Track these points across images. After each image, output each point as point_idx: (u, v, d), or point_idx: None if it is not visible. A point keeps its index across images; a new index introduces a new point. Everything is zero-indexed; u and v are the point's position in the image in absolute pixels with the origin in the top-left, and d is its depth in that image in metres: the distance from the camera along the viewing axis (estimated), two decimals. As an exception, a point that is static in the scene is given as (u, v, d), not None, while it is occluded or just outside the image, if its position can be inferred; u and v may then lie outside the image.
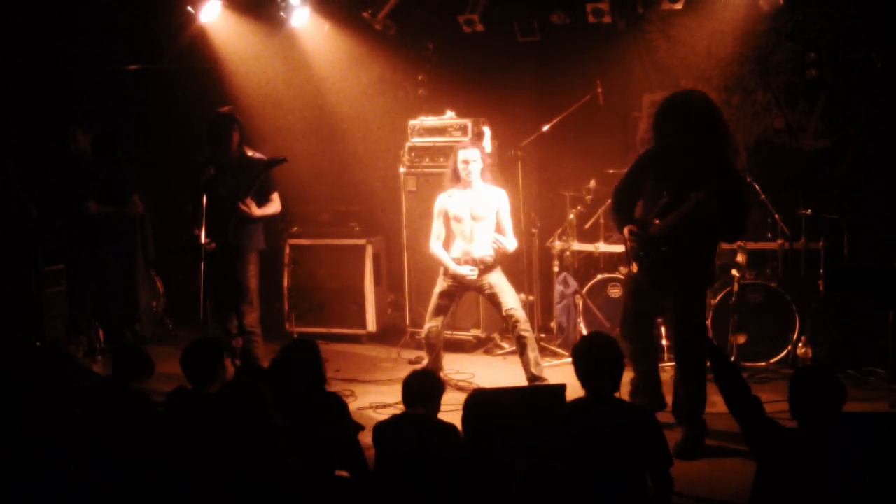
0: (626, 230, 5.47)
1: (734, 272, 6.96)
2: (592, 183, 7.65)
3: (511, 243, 6.56)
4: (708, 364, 4.61)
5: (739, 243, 7.00)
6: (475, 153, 6.50)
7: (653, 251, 5.39)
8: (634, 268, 5.54)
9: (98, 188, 6.80)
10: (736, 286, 6.92)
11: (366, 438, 4.57)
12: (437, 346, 6.67)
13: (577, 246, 7.74)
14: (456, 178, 6.53)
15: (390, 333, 8.30)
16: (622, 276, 7.03)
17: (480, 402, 3.94)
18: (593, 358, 4.11)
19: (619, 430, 3.95)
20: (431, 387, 4.40)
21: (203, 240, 6.24)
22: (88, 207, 6.72)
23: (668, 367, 6.38)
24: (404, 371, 5.77)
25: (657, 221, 5.36)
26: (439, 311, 6.62)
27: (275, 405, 3.59)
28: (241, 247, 6.46)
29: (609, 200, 5.78)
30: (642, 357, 5.74)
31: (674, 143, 5.28)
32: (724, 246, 7.08)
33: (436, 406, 4.39)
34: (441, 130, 7.92)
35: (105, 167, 6.93)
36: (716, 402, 4.41)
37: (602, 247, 7.65)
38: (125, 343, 6.90)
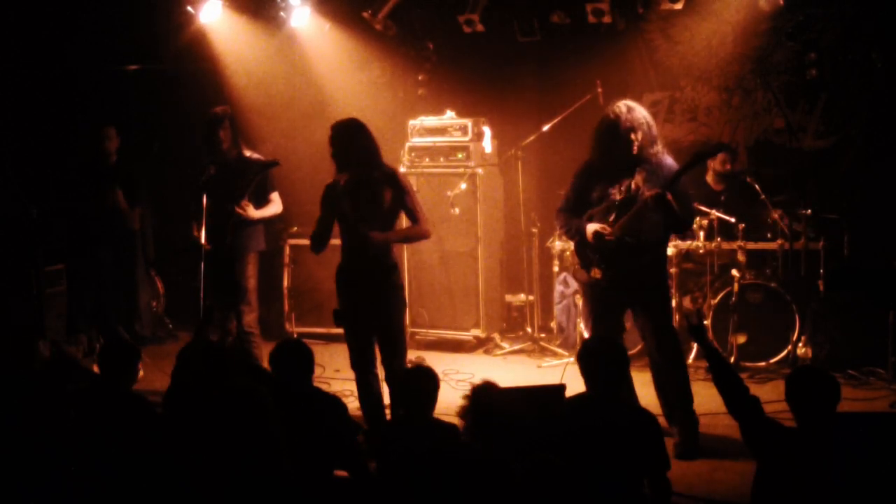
0: (590, 231, 5.44)
1: (734, 272, 6.96)
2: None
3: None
4: (705, 364, 4.62)
5: (739, 243, 7.01)
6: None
7: (618, 247, 5.37)
8: (596, 273, 5.49)
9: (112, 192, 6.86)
10: (736, 286, 6.91)
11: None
12: None
13: (576, 246, 7.72)
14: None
15: (390, 333, 8.29)
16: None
17: (485, 395, 3.96)
18: (592, 358, 4.15)
19: (618, 429, 3.96)
20: (427, 383, 4.37)
21: (203, 240, 6.23)
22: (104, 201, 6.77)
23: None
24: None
25: (613, 221, 5.39)
26: None
27: (274, 409, 3.59)
28: (239, 247, 6.42)
29: (557, 218, 5.77)
30: None
31: (614, 155, 5.40)
32: (724, 246, 7.10)
33: (432, 402, 4.36)
34: (441, 130, 7.93)
35: (125, 175, 6.99)
36: (715, 402, 4.41)
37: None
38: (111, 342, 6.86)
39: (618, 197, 5.39)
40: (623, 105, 5.40)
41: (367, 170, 5.41)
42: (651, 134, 5.38)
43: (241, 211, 6.28)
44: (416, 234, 5.70)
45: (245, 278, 6.44)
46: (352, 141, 5.39)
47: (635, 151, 5.34)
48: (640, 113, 5.38)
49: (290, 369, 4.40)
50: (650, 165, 5.35)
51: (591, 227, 5.44)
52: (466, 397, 3.93)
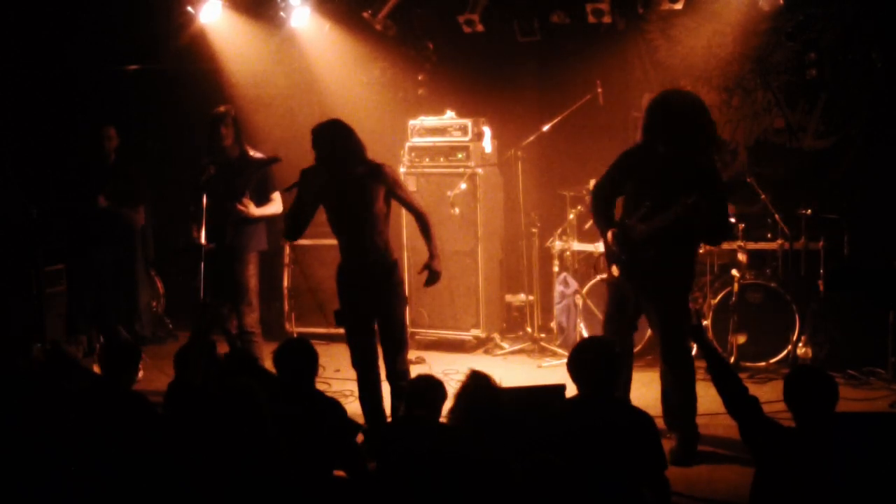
0: (609, 233, 5.37)
1: (734, 272, 6.96)
2: (592, 183, 7.62)
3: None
4: (704, 365, 4.60)
5: (739, 243, 7.01)
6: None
7: (637, 253, 5.30)
8: (615, 271, 5.43)
9: (112, 188, 6.85)
10: (736, 286, 6.91)
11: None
12: None
13: (577, 246, 7.73)
14: None
15: (390, 333, 8.28)
16: (603, 281, 6.93)
17: (477, 385, 4.00)
18: (581, 359, 4.16)
19: (615, 429, 3.96)
20: (435, 394, 4.40)
21: (202, 240, 6.23)
22: (98, 201, 6.76)
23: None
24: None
25: (641, 224, 5.27)
26: None
27: (269, 407, 3.59)
28: (239, 247, 6.42)
29: (588, 199, 5.68)
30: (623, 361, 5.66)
31: (663, 146, 5.20)
32: (725, 246, 7.09)
33: (436, 412, 4.39)
34: (441, 130, 7.93)
35: (126, 169, 6.98)
36: (715, 402, 4.40)
37: (602, 247, 7.64)
38: (111, 342, 6.86)
39: (650, 197, 5.22)
40: (688, 95, 5.25)
41: (354, 169, 5.38)
42: (697, 129, 5.14)
43: (242, 208, 6.30)
44: (431, 228, 5.61)
45: (245, 277, 6.43)
46: (336, 142, 5.37)
47: (677, 145, 5.14)
48: (691, 100, 5.17)
49: (295, 368, 4.41)
50: (694, 164, 5.17)
51: (610, 235, 5.38)
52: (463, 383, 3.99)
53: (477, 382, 4.15)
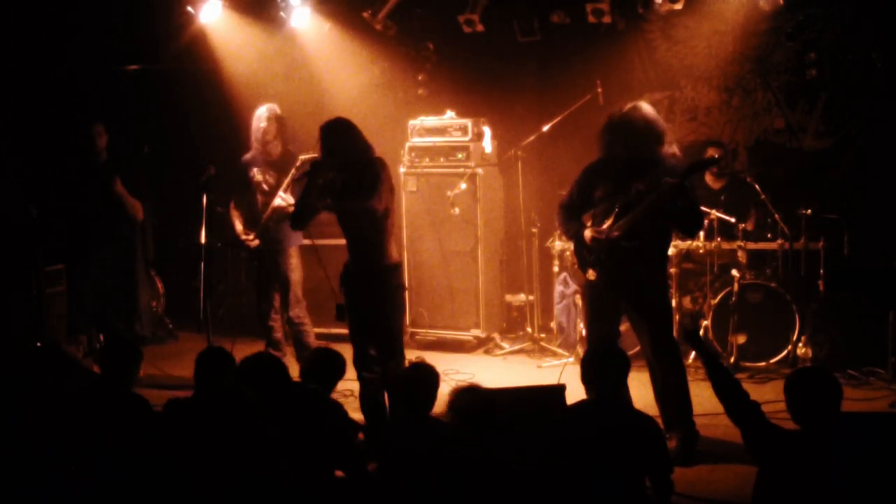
0: (587, 233, 5.36)
1: (734, 272, 6.96)
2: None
3: None
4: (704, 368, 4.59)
5: (739, 243, 7.00)
6: None
7: (615, 250, 5.28)
8: (591, 274, 5.40)
9: (108, 187, 6.86)
10: (736, 286, 6.91)
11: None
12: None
13: (577, 246, 7.71)
14: None
15: (390, 333, 8.28)
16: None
17: (468, 399, 4.01)
18: (594, 360, 4.16)
19: (620, 432, 3.95)
20: (426, 380, 4.39)
21: (202, 239, 6.26)
22: (115, 185, 6.78)
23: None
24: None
25: (612, 223, 5.28)
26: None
27: (263, 410, 3.60)
28: (282, 241, 6.61)
29: (557, 215, 5.68)
30: None
31: (621, 154, 5.29)
32: (725, 246, 7.10)
33: (432, 400, 4.38)
34: (441, 130, 7.93)
35: (121, 167, 6.99)
36: (714, 403, 4.40)
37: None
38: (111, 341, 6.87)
39: (619, 198, 5.29)
40: (628, 106, 5.32)
41: (360, 167, 5.43)
42: (652, 136, 5.26)
43: (283, 200, 6.44)
44: (355, 205, 5.38)
45: (289, 270, 6.66)
46: (342, 140, 5.45)
47: (636, 153, 5.24)
48: (641, 114, 5.27)
49: (321, 378, 4.48)
50: (655, 169, 5.24)
51: (588, 233, 5.38)
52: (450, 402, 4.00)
53: (468, 396, 4.16)
